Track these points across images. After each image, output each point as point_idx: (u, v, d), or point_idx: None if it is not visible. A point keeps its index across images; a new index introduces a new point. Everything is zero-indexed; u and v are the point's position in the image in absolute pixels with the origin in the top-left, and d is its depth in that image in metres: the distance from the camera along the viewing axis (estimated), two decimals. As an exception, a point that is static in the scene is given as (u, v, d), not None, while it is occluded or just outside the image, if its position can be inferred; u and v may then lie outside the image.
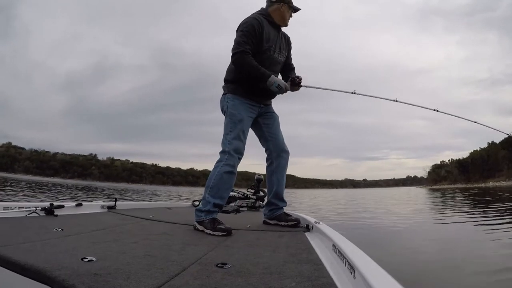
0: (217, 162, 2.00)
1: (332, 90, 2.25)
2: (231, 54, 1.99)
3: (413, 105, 2.35)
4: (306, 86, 2.14)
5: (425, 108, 2.30)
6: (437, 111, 2.24)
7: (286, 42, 2.26)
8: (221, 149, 2.03)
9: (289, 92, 2.17)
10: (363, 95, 2.26)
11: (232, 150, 1.97)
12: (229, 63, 2.12)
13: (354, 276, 0.92)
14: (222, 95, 2.16)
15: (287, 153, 2.25)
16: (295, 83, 2.12)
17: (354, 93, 2.21)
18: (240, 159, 2.02)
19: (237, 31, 2.04)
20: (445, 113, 2.30)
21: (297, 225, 2.11)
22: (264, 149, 2.28)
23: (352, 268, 0.95)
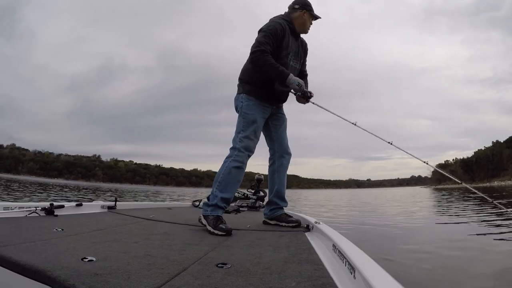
0: (226, 157, 2.03)
1: (336, 115, 2.20)
2: (250, 52, 2.01)
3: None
4: (313, 103, 2.13)
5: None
6: (355, 124, 2.17)
7: (303, 49, 2.29)
8: (231, 145, 2.06)
9: (294, 97, 2.19)
10: (363, 129, 2.21)
11: (242, 147, 2.01)
12: (242, 63, 2.15)
13: (354, 276, 0.92)
14: (237, 93, 2.18)
15: (289, 154, 2.30)
16: (305, 96, 2.11)
17: (355, 124, 2.17)
18: (249, 156, 2.05)
19: (259, 31, 2.06)
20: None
21: (298, 227, 2.11)
22: (268, 148, 2.31)
23: (352, 268, 0.95)
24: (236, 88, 2.21)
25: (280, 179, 2.26)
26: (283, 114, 2.33)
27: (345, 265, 1.04)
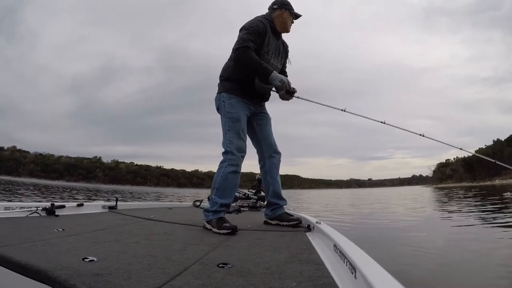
0: (221, 162, 2.02)
1: (323, 104, 2.28)
2: (233, 49, 2.01)
3: (400, 128, 2.36)
4: (298, 97, 2.12)
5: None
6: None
7: (284, 49, 2.29)
8: (223, 149, 2.04)
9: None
10: (352, 113, 2.29)
11: (234, 149, 1.99)
12: (227, 60, 2.13)
13: (355, 276, 0.92)
14: (217, 93, 2.15)
15: (279, 154, 2.27)
16: (289, 92, 2.08)
17: (344, 110, 2.24)
18: (243, 157, 2.04)
19: (241, 30, 2.06)
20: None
21: (299, 225, 2.11)
22: (255, 150, 2.28)
23: (353, 268, 0.95)
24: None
25: (273, 179, 2.24)
26: (267, 113, 2.30)
27: (346, 265, 1.04)
